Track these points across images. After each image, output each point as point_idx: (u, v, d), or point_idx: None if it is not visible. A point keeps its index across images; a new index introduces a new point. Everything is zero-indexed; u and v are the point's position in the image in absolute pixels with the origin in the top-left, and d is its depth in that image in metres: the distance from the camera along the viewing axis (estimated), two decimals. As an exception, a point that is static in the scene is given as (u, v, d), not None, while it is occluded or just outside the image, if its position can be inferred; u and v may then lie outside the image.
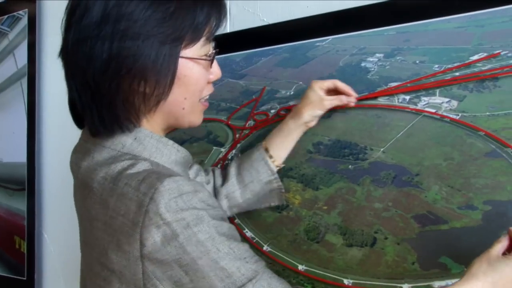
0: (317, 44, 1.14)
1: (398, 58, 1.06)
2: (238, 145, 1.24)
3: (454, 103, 1.00)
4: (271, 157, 1.08)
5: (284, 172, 1.15)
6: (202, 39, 0.76)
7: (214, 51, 0.81)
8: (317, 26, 1.15)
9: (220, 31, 1.23)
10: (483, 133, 0.96)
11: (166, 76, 0.73)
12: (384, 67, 1.07)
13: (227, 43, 1.27)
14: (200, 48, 0.77)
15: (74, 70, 0.74)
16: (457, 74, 1.00)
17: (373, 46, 1.08)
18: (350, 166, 1.08)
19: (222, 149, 1.26)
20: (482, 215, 0.95)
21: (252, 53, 1.24)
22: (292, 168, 1.15)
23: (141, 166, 0.72)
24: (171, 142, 0.80)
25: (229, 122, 1.26)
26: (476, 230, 0.95)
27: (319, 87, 1.06)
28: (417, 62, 1.04)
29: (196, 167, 1.07)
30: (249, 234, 1.19)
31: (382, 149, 1.05)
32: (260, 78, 1.22)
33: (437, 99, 1.01)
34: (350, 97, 1.07)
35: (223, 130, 1.26)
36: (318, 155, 1.12)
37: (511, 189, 0.93)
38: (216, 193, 1.09)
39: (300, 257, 1.12)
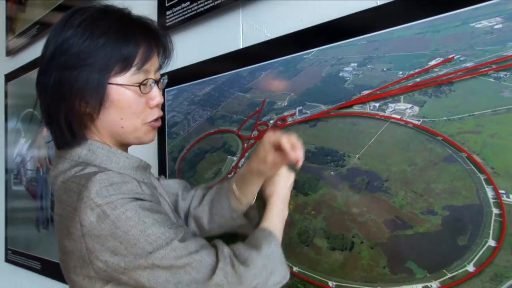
0: (304, 56, 1.21)
1: (369, 66, 1.08)
2: (246, 154, 1.34)
3: (416, 108, 1.00)
4: (237, 196, 1.12)
5: (281, 179, 1.24)
6: (133, 69, 0.92)
7: (148, 79, 0.95)
8: (304, 39, 1.21)
9: (233, 47, 1.36)
10: (441, 138, 0.96)
11: (96, 98, 0.90)
12: (358, 76, 1.10)
13: (239, 59, 1.39)
14: (131, 76, 0.92)
15: (38, 97, 0.95)
16: (418, 79, 1.00)
17: (349, 56, 1.12)
18: (332, 173, 1.13)
19: (235, 158, 1.38)
20: (441, 220, 0.96)
21: (255, 68, 1.33)
22: (287, 175, 1.23)
23: (89, 170, 0.89)
24: (120, 151, 0.97)
25: (239, 133, 1.37)
26: (436, 235, 0.96)
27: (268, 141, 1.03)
28: (385, 69, 1.05)
29: (183, 184, 1.22)
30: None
31: (357, 156, 1.09)
32: (262, 91, 1.31)
33: (401, 105, 1.03)
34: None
35: (235, 140, 1.38)
36: (307, 162, 1.18)
37: (466, 194, 0.93)
38: (188, 212, 1.20)
39: (294, 259, 1.20)
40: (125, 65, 0.91)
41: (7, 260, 2.86)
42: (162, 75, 1.03)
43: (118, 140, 0.98)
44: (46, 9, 2.44)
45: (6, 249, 2.86)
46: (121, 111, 0.93)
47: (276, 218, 1.06)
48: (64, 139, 0.94)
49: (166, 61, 1.03)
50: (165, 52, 1.01)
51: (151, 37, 0.96)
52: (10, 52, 2.85)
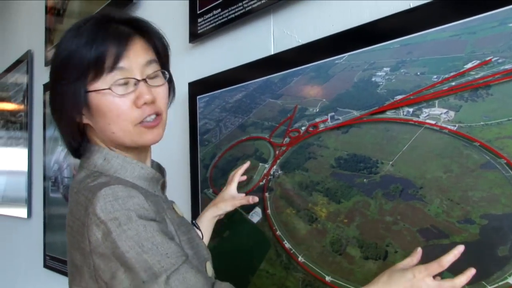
0: (336, 61, 1.19)
1: (402, 70, 1.05)
2: (278, 161, 1.33)
3: (452, 113, 0.97)
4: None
5: (312, 186, 1.22)
6: (106, 71, 0.89)
7: (130, 78, 0.90)
8: (335, 44, 1.19)
9: (264, 53, 1.36)
10: (478, 143, 0.93)
11: (77, 109, 0.91)
12: (391, 81, 1.07)
13: (270, 65, 1.38)
14: (106, 79, 0.89)
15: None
16: (453, 83, 0.97)
17: (381, 60, 1.09)
18: (365, 180, 1.11)
19: (266, 165, 1.36)
20: (479, 230, 0.92)
21: (286, 74, 1.32)
22: (319, 182, 1.21)
23: (100, 180, 0.88)
24: (135, 161, 0.96)
25: (271, 140, 1.36)
26: (474, 245, 0.92)
27: (233, 189, 1.31)
28: (418, 73, 1.02)
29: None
30: (287, 245, 1.28)
31: (391, 163, 1.06)
32: (293, 97, 1.29)
33: (436, 110, 0.99)
34: (253, 197, 1.29)
35: (266, 147, 1.37)
36: (339, 169, 1.16)
37: (505, 202, 0.89)
38: None
39: (327, 268, 1.17)
40: (98, 69, 0.88)
41: (45, 266, 2.92)
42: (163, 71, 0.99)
43: (121, 145, 0.96)
44: (82, 20, 2.48)
45: (45, 255, 2.92)
46: (105, 117, 0.91)
47: None
48: (73, 149, 0.98)
49: (159, 56, 0.98)
50: (155, 47, 0.97)
51: (122, 33, 0.91)
52: (49, 63, 2.91)
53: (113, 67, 0.89)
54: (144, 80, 0.92)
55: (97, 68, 0.88)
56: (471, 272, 0.83)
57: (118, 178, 0.92)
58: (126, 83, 0.90)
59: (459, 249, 0.85)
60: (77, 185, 0.91)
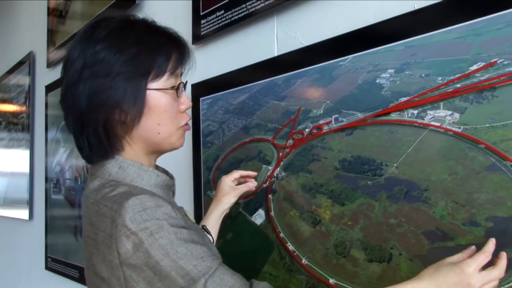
0: (340, 63, 1.18)
1: (407, 72, 1.05)
2: (282, 163, 1.33)
3: (456, 115, 0.97)
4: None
5: (316, 189, 1.22)
6: (166, 74, 0.93)
7: (181, 83, 0.96)
8: (339, 46, 1.19)
9: (268, 55, 1.36)
10: (483, 146, 0.93)
11: (135, 105, 0.90)
12: (395, 83, 1.07)
13: (273, 67, 1.37)
14: (165, 81, 0.93)
15: (68, 110, 0.94)
16: (458, 85, 0.97)
17: (385, 62, 1.09)
18: (369, 182, 1.10)
19: (270, 167, 1.36)
20: (485, 232, 0.92)
21: (290, 76, 1.31)
22: (323, 184, 1.20)
23: (120, 190, 0.87)
24: (151, 169, 0.95)
25: (274, 142, 1.35)
26: (480, 247, 0.91)
27: (229, 180, 1.29)
28: (423, 75, 1.02)
29: None
30: (291, 247, 1.27)
31: (395, 165, 1.06)
32: (297, 99, 1.29)
33: (441, 112, 0.99)
34: (252, 182, 1.30)
35: (270, 149, 1.36)
36: (343, 171, 1.16)
37: (511, 205, 0.89)
38: None
39: (331, 271, 1.17)
40: (159, 71, 0.92)
41: (47, 267, 2.91)
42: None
43: (153, 149, 0.97)
44: (85, 21, 2.49)
45: (46, 257, 2.92)
46: (158, 116, 0.93)
47: None
48: (98, 151, 0.93)
49: (186, 67, 1.03)
50: (187, 59, 1.01)
51: (178, 45, 0.97)
52: (51, 64, 2.92)
53: (173, 72, 0.94)
54: (185, 87, 0.98)
55: (160, 70, 0.92)
56: (503, 255, 0.86)
57: (137, 187, 0.91)
58: (178, 88, 0.95)
59: (493, 240, 0.87)
60: (93, 195, 0.90)
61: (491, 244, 0.86)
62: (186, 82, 1.00)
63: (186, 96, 0.99)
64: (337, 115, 1.19)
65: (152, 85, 0.91)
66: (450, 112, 0.98)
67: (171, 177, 1.03)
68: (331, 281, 1.16)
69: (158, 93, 0.92)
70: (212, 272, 0.81)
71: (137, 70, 0.89)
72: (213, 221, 1.27)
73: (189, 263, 0.80)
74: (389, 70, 1.08)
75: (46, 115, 2.96)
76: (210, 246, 1.02)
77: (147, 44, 0.91)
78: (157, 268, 0.79)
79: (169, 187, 1.00)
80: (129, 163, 0.94)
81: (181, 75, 1.00)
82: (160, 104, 0.93)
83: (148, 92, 0.91)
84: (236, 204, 1.31)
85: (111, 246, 0.82)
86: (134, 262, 0.80)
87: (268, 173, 1.36)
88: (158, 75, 0.92)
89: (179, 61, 0.96)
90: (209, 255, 0.84)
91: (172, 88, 0.94)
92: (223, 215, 1.30)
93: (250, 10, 1.44)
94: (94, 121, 0.91)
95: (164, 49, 0.93)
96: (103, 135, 0.91)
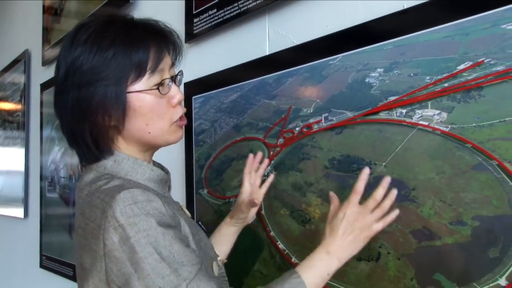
0: (330, 62, 1.19)
1: (395, 71, 1.05)
2: (272, 161, 1.33)
3: (444, 115, 0.97)
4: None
5: (306, 187, 1.22)
6: (148, 72, 0.90)
7: (166, 78, 0.93)
8: (329, 45, 1.19)
9: (259, 54, 1.36)
10: (470, 145, 0.93)
11: (118, 110, 0.89)
12: (384, 82, 1.07)
13: (265, 66, 1.38)
14: (147, 81, 0.91)
15: (59, 119, 0.95)
16: (446, 85, 0.97)
17: (375, 61, 1.09)
18: (358, 181, 1.11)
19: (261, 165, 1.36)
20: (471, 231, 0.92)
21: (281, 74, 1.32)
22: (312, 183, 1.21)
23: (114, 183, 0.88)
24: (145, 163, 0.96)
25: (265, 140, 1.35)
26: (466, 246, 0.92)
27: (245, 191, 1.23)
28: (411, 74, 1.02)
29: None
30: (281, 246, 1.28)
31: (384, 164, 1.06)
32: (287, 98, 1.29)
33: (429, 112, 0.99)
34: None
35: (261, 148, 1.36)
36: (333, 170, 1.16)
37: (497, 204, 0.89)
38: None
39: (320, 269, 1.17)
40: (140, 71, 0.90)
41: (42, 266, 2.91)
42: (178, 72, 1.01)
43: (147, 146, 0.97)
44: (80, 19, 2.47)
45: (41, 255, 2.92)
46: (145, 117, 0.92)
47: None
48: (91, 155, 0.93)
49: (178, 57, 1.01)
50: (175, 48, 0.99)
51: (158, 37, 0.94)
52: (46, 62, 2.92)
53: (154, 70, 0.91)
54: (173, 81, 0.96)
55: (140, 70, 0.90)
56: (386, 180, 0.96)
57: (131, 181, 0.91)
58: (162, 84, 0.93)
59: (386, 180, 0.97)
60: (87, 187, 0.91)
61: (361, 182, 0.98)
62: (180, 72, 0.98)
63: (177, 89, 0.96)
64: (327, 114, 1.19)
65: (134, 87, 0.90)
66: (438, 111, 0.98)
67: (166, 172, 1.03)
68: (320, 279, 1.16)
69: (141, 94, 0.91)
70: (192, 277, 0.81)
71: (116, 74, 0.88)
72: (225, 235, 1.25)
73: (169, 266, 0.80)
74: (378, 69, 1.09)
75: (41, 113, 2.95)
76: (205, 240, 1.01)
77: (123, 43, 0.89)
78: (139, 265, 0.79)
79: (165, 182, 1.01)
80: (123, 156, 0.94)
81: (173, 65, 0.98)
82: (145, 105, 0.91)
83: (129, 95, 0.90)
84: (227, 203, 1.31)
85: (98, 237, 0.82)
86: (119, 255, 0.80)
87: (259, 172, 1.36)
88: (139, 76, 0.90)
89: (159, 55, 0.92)
90: (190, 259, 0.83)
91: (156, 86, 0.92)
92: (239, 229, 1.26)
93: (242, 9, 1.44)
94: (81, 130, 0.91)
95: (141, 45, 0.90)
96: (91, 142, 0.92)
